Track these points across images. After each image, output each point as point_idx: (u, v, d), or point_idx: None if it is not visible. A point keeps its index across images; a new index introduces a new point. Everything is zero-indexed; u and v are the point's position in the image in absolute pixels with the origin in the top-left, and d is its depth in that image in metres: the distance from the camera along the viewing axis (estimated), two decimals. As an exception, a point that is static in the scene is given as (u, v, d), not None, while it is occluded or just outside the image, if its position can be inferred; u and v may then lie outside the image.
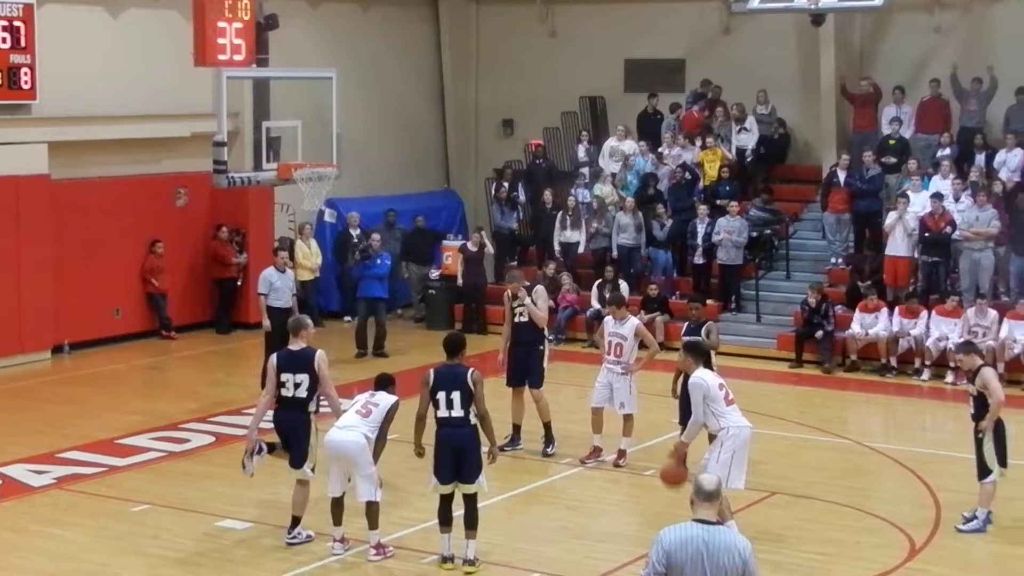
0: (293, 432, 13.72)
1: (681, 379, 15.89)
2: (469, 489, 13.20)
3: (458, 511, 13.22)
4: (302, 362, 13.62)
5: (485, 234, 26.73)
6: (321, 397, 13.85)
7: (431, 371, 13.34)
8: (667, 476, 13.38)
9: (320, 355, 13.65)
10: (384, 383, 13.98)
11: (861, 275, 23.88)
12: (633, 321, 17.06)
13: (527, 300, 17.18)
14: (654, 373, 18.34)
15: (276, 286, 20.44)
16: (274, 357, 13.91)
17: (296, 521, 13.81)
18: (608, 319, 17.20)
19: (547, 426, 17.30)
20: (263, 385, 19.84)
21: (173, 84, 24.02)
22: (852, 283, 24.02)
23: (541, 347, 17.32)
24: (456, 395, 13.10)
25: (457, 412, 13.10)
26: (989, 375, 14.26)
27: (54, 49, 22.82)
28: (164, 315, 24.95)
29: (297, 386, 13.60)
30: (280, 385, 13.67)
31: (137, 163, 24.72)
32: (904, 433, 20.09)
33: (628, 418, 16.89)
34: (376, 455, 13.51)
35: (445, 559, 13.31)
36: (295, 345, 13.81)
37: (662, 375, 19.05)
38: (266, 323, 20.30)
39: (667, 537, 8.19)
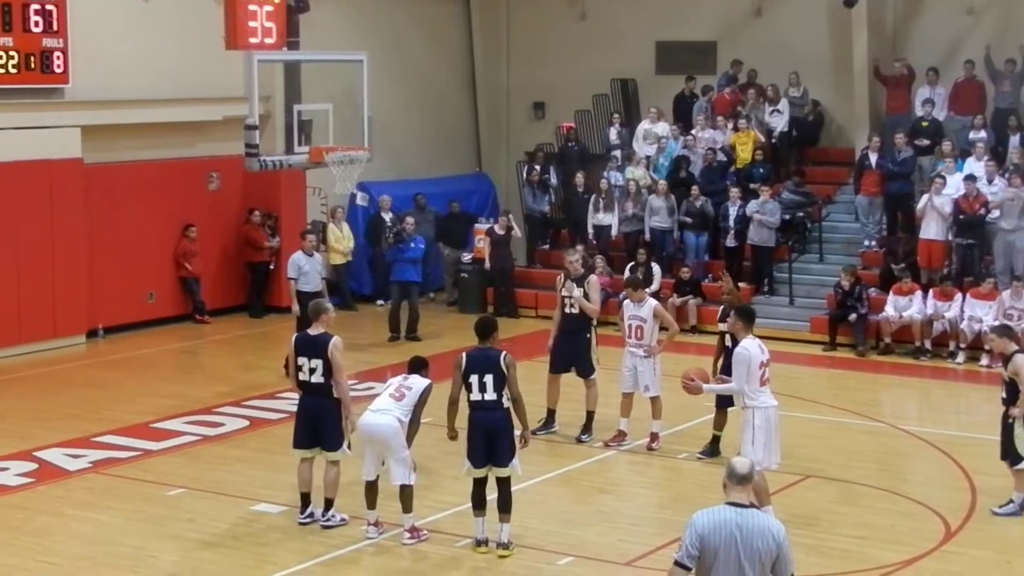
0: (320, 417, 13.72)
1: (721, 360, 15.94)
2: (503, 472, 13.19)
3: (492, 495, 13.22)
4: (318, 347, 13.64)
5: (512, 217, 26.68)
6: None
7: (463, 355, 13.32)
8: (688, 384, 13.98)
9: (335, 341, 13.64)
10: (418, 366, 13.98)
11: (895, 258, 23.77)
12: (651, 302, 17.05)
13: (575, 292, 17.10)
14: (684, 355, 18.31)
15: (305, 270, 20.49)
16: (292, 340, 13.95)
17: (329, 503, 13.85)
18: (626, 302, 17.19)
19: (590, 415, 17.23)
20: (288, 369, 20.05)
21: (204, 68, 24.05)
22: (886, 266, 23.91)
23: (588, 335, 17.19)
24: (489, 378, 13.07)
25: (490, 395, 13.08)
26: (1021, 362, 14.16)
27: (86, 33, 22.86)
28: (198, 299, 25.02)
29: (312, 371, 13.63)
30: (299, 368, 13.69)
31: (169, 147, 24.77)
32: (939, 416, 20.01)
33: (655, 400, 16.86)
34: (410, 438, 13.52)
35: (479, 542, 13.34)
36: (314, 330, 13.83)
37: (691, 357, 19.08)
38: (296, 308, 20.35)
39: (700, 520, 8.18)
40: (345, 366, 13.84)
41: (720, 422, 16.22)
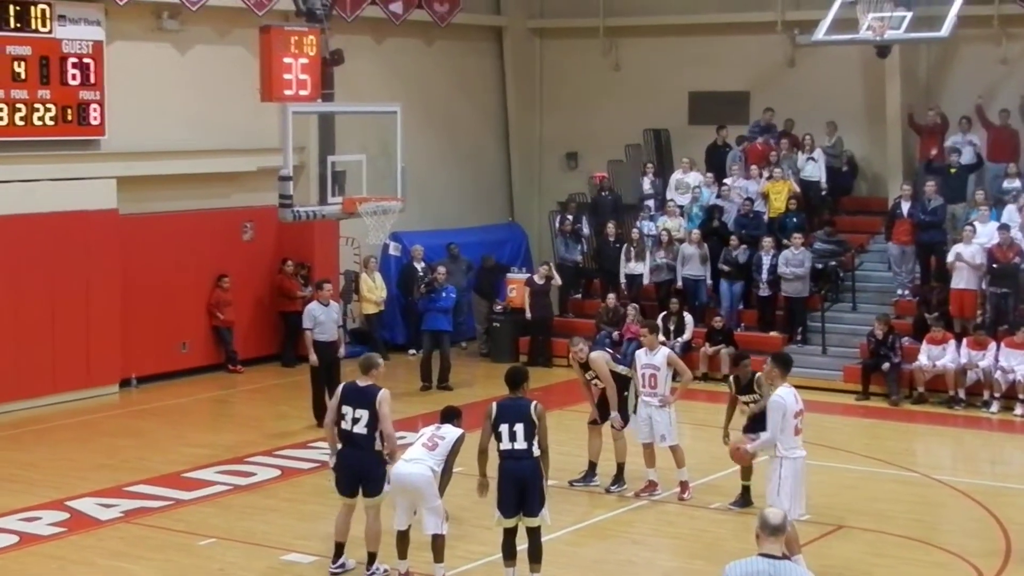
0: (362, 469, 13.64)
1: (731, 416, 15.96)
2: (532, 522, 13.14)
3: (522, 545, 13.18)
4: (366, 398, 13.59)
5: (552, 266, 26.71)
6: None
7: (494, 404, 13.33)
8: (736, 455, 13.89)
9: (384, 394, 13.59)
10: (450, 416, 13.99)
11: (928, 307, 23.69)
12: (664, 351, 17.04)
13: (588, 374, 17.03)
14: (714, 404, 18.23)
15: (320, 320, 20.57)
16: (341, 387, 13.93)
17: (372, 557, 13.74)
18: (639, 352, 17.15)
19: (620, 466, 17.15)
20: (316, 416, 20.10)
21: (239, 119, 24.23)
22: (919, 315, 23.82)
23: (625, 393, 17.01)
24: (519, 427, 13.03)
25: (520, 444, 13.04)
26: None
27: (122, 85, 23.08)
28: (230, 348, 25.11)
29: (356, 421, 13.54)
30: (340, 417, 13.69)
31: (204, 197, 24.91)
32: (973, 466, 19.88)
33: (674, 449, 16.81)
34: (442, 488, 13.51)
35: None
36: (362, 381, 13.78)
37: (716, 407, 19.02)
38: (312, 358, 20.47)
39: (733, 572, 8.11)
40: (392, 418, 13.76)
41: (747, 472, 16.13)
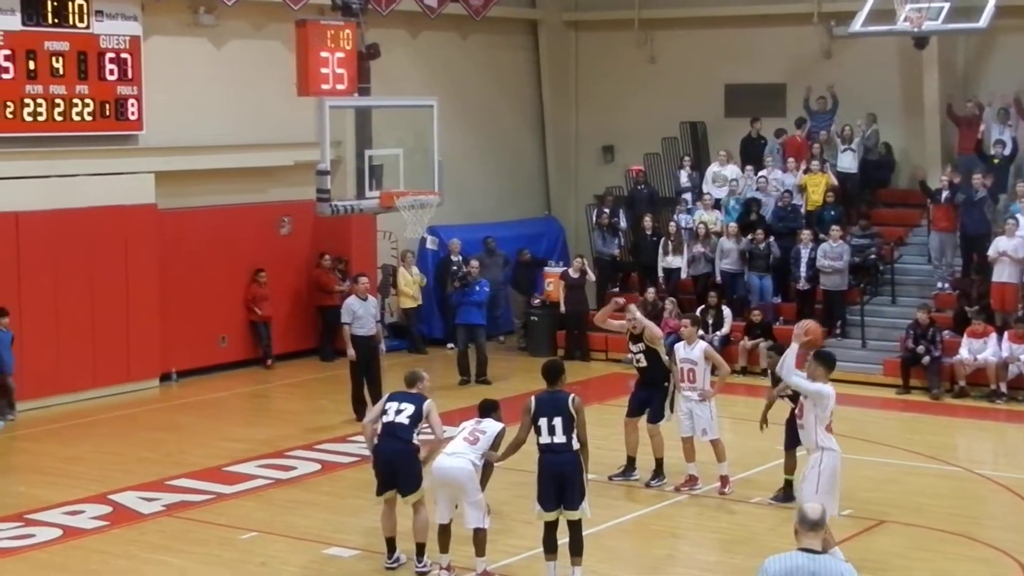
0: (399, 464, 13.66)
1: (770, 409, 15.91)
2: (573, 516, 13.14)
3: (563, 539, 13.17)
4: (412, 399, 13.74)
5: (585, 261, 26.69)
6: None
7: (532, 398, 13.34)
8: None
9: (431, 403, 13.73)
10: (488, 409, 14.01)
11: (968, 300, 23.57)
12: (702, 345, 17.01)
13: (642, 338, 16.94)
14: (753, 398, 18.19)
15: (359, 314, 20.62)
16: (386, 396, 14.06)
17: (421, 549, 13.74)
18: (678, 345, 17.12)
19: (659, 462, 17.12)
20: (355, 410, 20.16)
21: (276, 114, 24.29)
22: (959, 308, 23.71)
23: (666, 384, 16.95)
24: (558, 421, 13.07)
25: (559, 438, 13.07)
26: None
27: (160, 80, 23.17)
28: (266, 344, 25.12)
29: (399, 412, 13.61)
30: (383, 412, 13.72)
31: (241, 192, 24.99)
32: (1015, 460, 19.77)
33: (715, 443, 16.77)
34: (484, 482, 13.52)
35: None
36: (410, 390, 13.90)
37: (752, 400, 18.96)
38: (350, 352, 20.53)
39: (773, 567, 8.05)
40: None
41: (790, 466, 16.06)
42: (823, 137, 26.89)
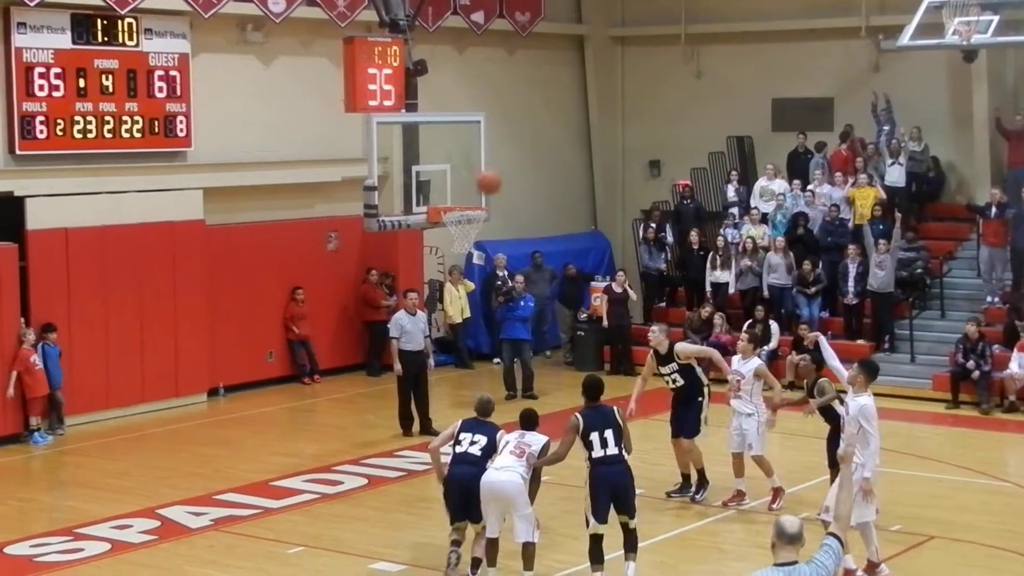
0: (472, 489, 13.59)
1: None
2: (632, 523, 13.52)
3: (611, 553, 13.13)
4: (486, 429, 13.87)
5: (626, 276, 26.66)
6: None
7: (578, 416, 13.55)
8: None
9: (503, 433, 13.83)
10: (531, 421, 14.02)
11: (1019, 314, 23.40)
12: (755, 361, 16.91)
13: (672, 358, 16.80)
14: (801, 414, 18.04)
15: (408, 329, 20.68)
16: (460, 421, 14.17)
17: (477, 563, 13.74)
18: (735, 357, 17.08)
19: (700, 472, 17.07)
20: (401, 425, 20.21)
21: (324, 130, 24.39)
22: (1009, 322, 23.54)
23: (700, 399, 16.87)
24: (609, 434, 13.43)
25: (612, 450, 13.42)
26: None
27: (208, 97, 23.31)
28: (301, 362, 25.09)
29: (473, 443, 13.73)
30: (456, 442, 13.81)
31: (289, 208, 25.09)
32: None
33: (759, 460, 16.66)
34: (532, 495, 13.50)
35: None
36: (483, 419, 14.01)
37: (795, 414, 18.83)
38: (397, 367, 20.61)
39: None
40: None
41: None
42: (871, 151, 26.75)
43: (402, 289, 25.61)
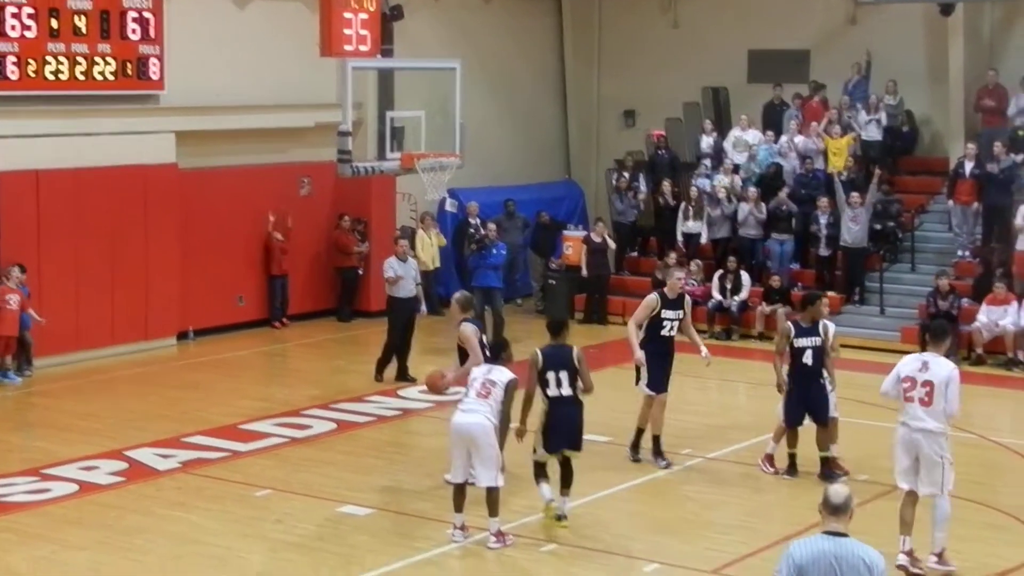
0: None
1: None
2: (573, 454, 13.90)
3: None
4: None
5: (604, 226, 26.68)
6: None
7: (538, 352, 13.83)
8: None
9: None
10: (499, 349, 14.06)
11: (988, 268, 23.50)
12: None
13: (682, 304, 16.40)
14: (770, 364, 18.10)
15: (399, 274, 20.57)
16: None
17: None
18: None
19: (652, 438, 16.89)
20: (378, 370, 20.11)
21: (298, 75, 24.28)
22: (979, 276, 23.64)
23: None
24: (564, 375, 13.68)
25: (566, 391, 13.73)
26: None
27: (182, 40, 23.13)
28: (275, 302, 25.02)
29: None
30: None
31: (262, 152, 24.98)
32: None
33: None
34: (502, 437, 13.46)
35: (549, 501, 13.92)
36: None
37: (763, 364, 18.87)
38: (389, 274, 20.43)
39: (798, 552, 7.99)
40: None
41: (792, 440, 16.01)
42: (845, 102, 26.74)
43: (374, 235, 25.73)
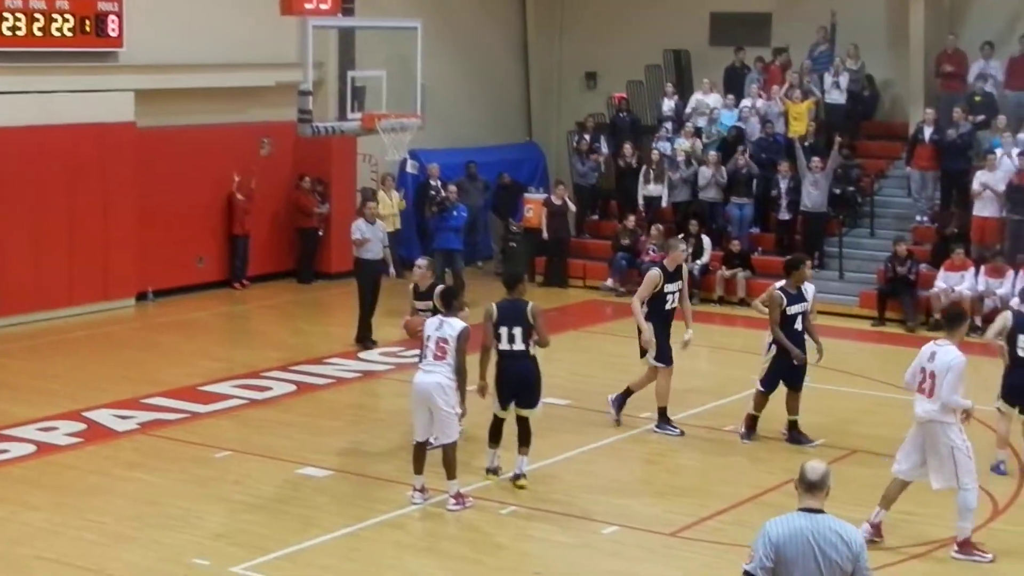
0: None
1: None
2: (526, 413, 13.96)
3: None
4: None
5: (565, 188, 26.66)
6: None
7: (493, 306, 13.93)
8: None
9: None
10: (449, 297, 13.99)
11: (946, 234, 23.62)
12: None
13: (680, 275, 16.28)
14: (729, 327, 18.23)
15: (367, 236, 20.45)
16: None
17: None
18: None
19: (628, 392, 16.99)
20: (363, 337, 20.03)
21: (259, 33, 24.10)
22: (937, 241, 23.75)
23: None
24: (517, 330, 13.77)
25: (519, 346, 13.81)
26: None
27: (142, -3, 22.96)
28: (237, 261, 24.96)
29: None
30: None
31: (222, 112, 24.82)
32: (989, 393, 19.73)
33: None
34: (461, 390, 13.41)
35: (490, 471, 14.15)
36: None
37: (740, 330, 18.96)
38: (356, 236, 20.32)
39: (774, 529, 7.83)
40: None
41: (760, 404, 16.11)
42: (807, 66, 26.74)
43: (334, 196, 25.65)
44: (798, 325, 15.68)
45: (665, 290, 16.04)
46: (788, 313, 15.56)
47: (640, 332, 16.06)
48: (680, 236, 18.56)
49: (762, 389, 15.86)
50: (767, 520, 7.98)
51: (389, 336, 20.08)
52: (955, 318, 13.10)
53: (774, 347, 15.69)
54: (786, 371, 15.69)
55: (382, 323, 20.47)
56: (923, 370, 12.65)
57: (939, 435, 12.56)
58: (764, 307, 15.97)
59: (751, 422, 16.03)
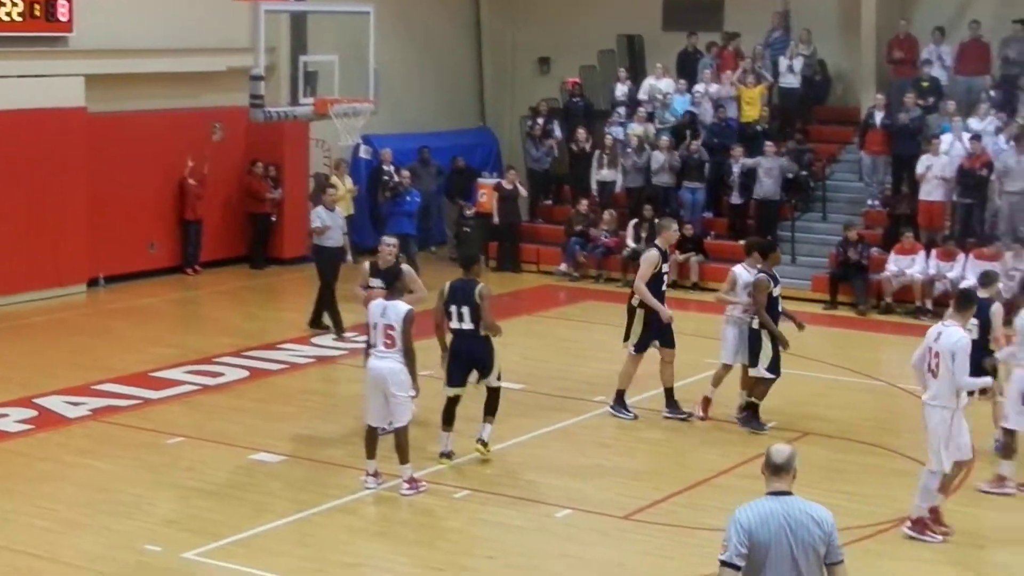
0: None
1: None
2: (489, 383, 14.25)
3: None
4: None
5: (517, 173, 26.66)
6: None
7: (447, 284, 14.23)
8: None
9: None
10: (392, 278, 14.10)
11: (896, 218, 23.76)
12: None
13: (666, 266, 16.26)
14: (683, 312, 18.23)
15: (327, 223, 20.28)
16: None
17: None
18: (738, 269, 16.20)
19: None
20: (335, 324, 19.84)
21: (210, 18, 23.97)
22: (888, 225, 23.89)
23: None
24: (466, 310, 14.02)
25: (467, 324, 14.09)
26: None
27: (91, -19, 22.79)
28: (190, 247, 24.86)
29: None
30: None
31: (173, 97, 24.69)
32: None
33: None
34: (412, 372, 13.35)
35: (443, 455, 14.24)
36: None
37: (692, 315, 19.03)
38: (315, 225, 20.18)
39: (745, 515, 7.71)
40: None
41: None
42: (759, 52, 26.81)
43: (286, 181, 25.56)
44: (780, 307, 15.87)
45: (662, 271, 16.12)
46: (774, 295, 15.71)
47: (649, 314, 15.97)
48: (668, 215, 18.73)
49: (771, 375, 15.85)
50: (736, 507, 7.86)
51: (349, 322, 19.86)
52: (965, 300, 13.03)
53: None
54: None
55: (341, 309, 20.17)
56: (929, 350, 12.62)
57: (933, 417, 12.63)
58: (731, 295, 16.04)
59: (755, 409, 16.02)
